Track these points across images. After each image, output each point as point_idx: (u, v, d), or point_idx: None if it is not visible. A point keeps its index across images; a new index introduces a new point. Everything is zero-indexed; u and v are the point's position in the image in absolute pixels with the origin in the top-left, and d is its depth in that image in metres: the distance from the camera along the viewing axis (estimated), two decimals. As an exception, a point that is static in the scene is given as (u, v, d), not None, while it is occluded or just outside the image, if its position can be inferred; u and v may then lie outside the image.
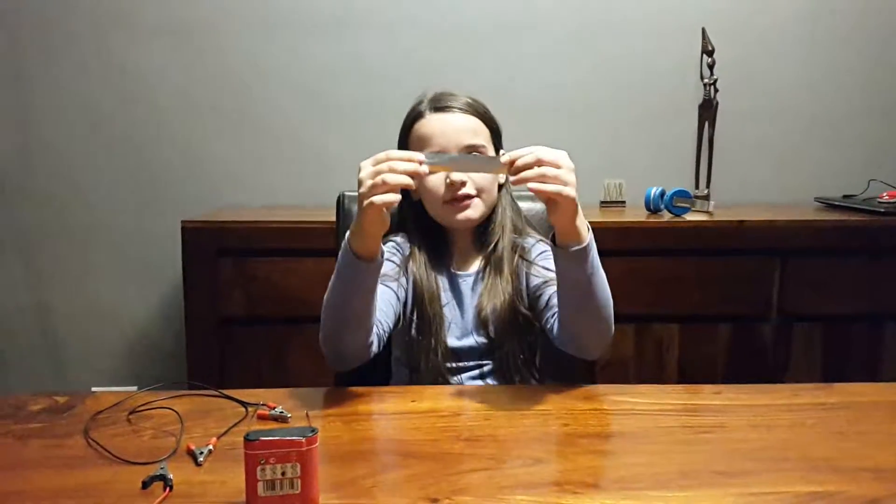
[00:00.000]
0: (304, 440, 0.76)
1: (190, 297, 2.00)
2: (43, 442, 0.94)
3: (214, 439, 0.92)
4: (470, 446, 0.91)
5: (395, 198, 0.98)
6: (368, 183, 0.98)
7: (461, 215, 1.26)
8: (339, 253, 1.08)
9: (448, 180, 1.23)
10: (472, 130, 1.27)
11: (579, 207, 1.02)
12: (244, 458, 0.76)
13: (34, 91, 2.34)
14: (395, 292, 1.25)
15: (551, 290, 1.20)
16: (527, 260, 1.29)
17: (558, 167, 0.98)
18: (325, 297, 1.11)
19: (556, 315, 1.18)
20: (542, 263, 1.27)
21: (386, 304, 1.22)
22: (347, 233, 1.07)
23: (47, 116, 2.35)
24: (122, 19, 2.32)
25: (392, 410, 1.04)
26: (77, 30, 2.31)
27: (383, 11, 2.34)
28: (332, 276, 1.10)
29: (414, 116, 1.29)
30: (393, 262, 1.28)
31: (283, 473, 0.76)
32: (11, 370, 2.43)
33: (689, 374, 2.04)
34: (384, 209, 0.99)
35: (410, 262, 1.30)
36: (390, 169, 0.98)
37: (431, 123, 1.26)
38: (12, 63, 2.32)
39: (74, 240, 2.39)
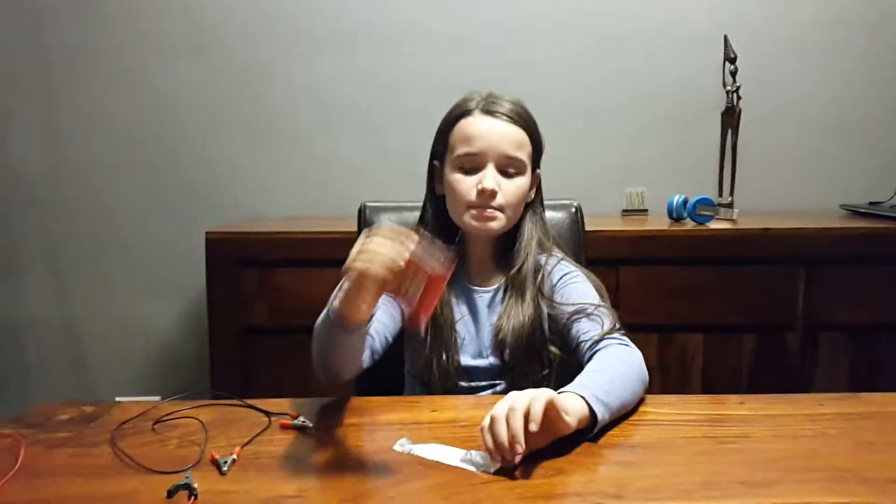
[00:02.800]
0: (428, 268, 0.83)
1: (213, 307, 2.02)
2: (71, 451, 0.95)
3: (238, 448, 0.93)
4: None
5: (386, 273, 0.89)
6: (358, 260, 0.90)
7: (483, 224, 1.23)
8: (328, 308, 1.05)
9: (480, 186, 1.21)
10: (516, 143, 1.23)
11: (558, 404, 0.90)
12: None
13: (62, 107, 2.38)
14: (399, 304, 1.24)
15: (580, 324, 1.18)
16: (547, 289, 1.25)
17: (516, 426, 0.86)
18: (315, 326, 1.09)
19: (586, 350, 1.15)
20: (566, 291, 1.24)
21: (387, 315, 1.21)
22: (336, 294, 1.00)
23: (75, 131, 2.39)
24: (147, 37, 2.36)
25: (413, 420, 1.04)
26: (103, 47, 2.36)
27: (401, 23, 2.36)
28: (321, 320, 1.07)
29: (461, 112, 1.25)
30: None
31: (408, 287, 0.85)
32: (38, 379, 2.47)
33: (714, 384, 2.02)
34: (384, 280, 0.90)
35: None
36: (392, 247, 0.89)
37: (479, 124, 1.22)
38: (42, 80, 2.37)
39: (100, 251, 2.43)
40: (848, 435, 0.97)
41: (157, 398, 2.37)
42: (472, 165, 1.23)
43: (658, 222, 2.18)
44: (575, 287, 1.25)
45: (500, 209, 1.23)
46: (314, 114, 2.39)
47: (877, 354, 2.04)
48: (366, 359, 1.14)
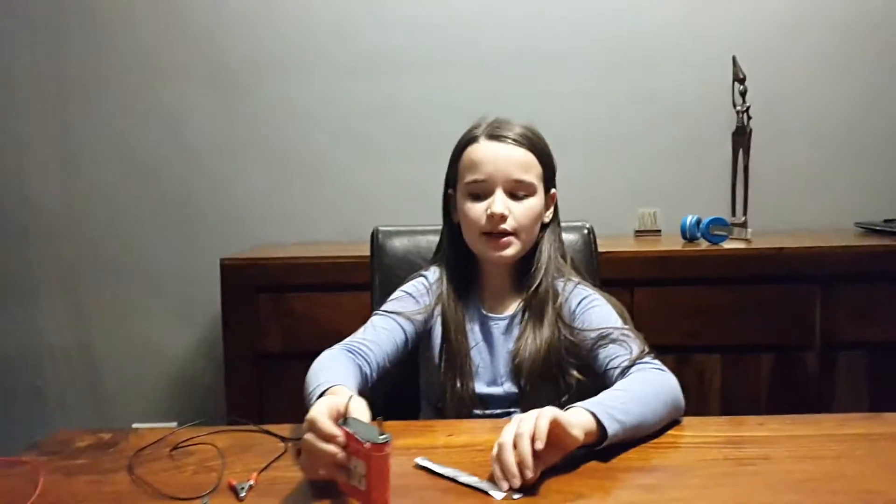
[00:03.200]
0: (365, 443, 0.78)
1: (229, 333, 2.03)
2: (89, 478, 0.95)
3: (255, 474, 0.93)
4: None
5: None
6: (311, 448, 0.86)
7: (497, 253, 1.23)
8: (306, 391, 1.04)
9: (489, 211, 1.21)
10: (523, 165, 1.23)
11: (563, 420, 0.89)
12: None
13: (78, 135, 2.42)
14: (403, 329, 1.24)
15: (608, 350, 1.16)
16: (566, 314, 1.24)
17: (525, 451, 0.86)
18: (306, 378, 1.07)
19: (617, 376, 1.13)
20: (586, 317, 1.22)
21: (388, 342, 1.21)
22: (313, 402, 0.95)
23: (91, 161, 2.43)
24: (162, 65, 2.40)
25: (429, 444, 1.04)
26: (118, 76, 2.40)
27: (415, 51, 2.39)
28: (308, 389, 1.03)
29: (468, 140, 1.26)
30: (417, 301, 1.28)
31: (354, 467, 0.80)
32: (56, 406, 2.48)
33: (732, 405, 2.00)
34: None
35: (439, 306, 1.28)
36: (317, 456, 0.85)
37: (484, 150, 1.23)
38: (57, 108, 2.41)
39: (115, 278, 2.45)
40: (872, 456, 0.96)
41: (174, 424, 2.38)
42: (481, 191, 1.23)
43: (672, 243, 2.18)
44: (596, 311, 1.23)
45: (514, 233, 1.23)
46: (327, 141, 2.42)
47: (895, 372, 2.02)
48: (358, 384, 1.11)
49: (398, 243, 1.49)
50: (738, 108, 2.28)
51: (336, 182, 2.42)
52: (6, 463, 1.00)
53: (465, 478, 0.90)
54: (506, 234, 1.22)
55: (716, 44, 2.36)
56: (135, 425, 2.35)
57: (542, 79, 2.38)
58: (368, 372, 1.17)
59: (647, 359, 1.13)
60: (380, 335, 1.22)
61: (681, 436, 1.05)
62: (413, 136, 2.37)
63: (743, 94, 2.26)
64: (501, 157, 1.22)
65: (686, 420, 1.10)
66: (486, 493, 0.86)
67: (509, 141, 1.23)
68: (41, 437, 1.11)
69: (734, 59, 2.26)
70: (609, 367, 1.15)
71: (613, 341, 1.17)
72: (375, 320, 1.26)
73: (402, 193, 2.37)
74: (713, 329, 2.00)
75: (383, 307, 1.29)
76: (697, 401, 1.99)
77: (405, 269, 1.42)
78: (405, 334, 1.25)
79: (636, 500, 0.85)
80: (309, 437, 0.85)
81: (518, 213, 1.22)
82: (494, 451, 0.88)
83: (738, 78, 2.26)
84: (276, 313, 2.02)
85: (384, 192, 2.41)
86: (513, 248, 1.24)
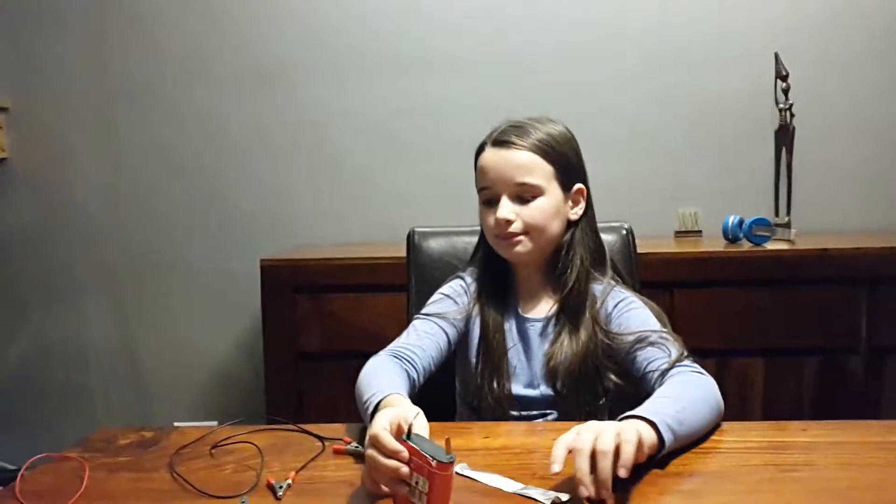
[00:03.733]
0: (433, 461, 0.78)
1: (268, 333, 2.06)
2: (131, 475, 0.97)
3: (293, 473, 0.94)
4: (545, 485, 0.90)
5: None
6: (374, 465, 0.86)
7: (510, 251, 1.25)
8: (363, 407, 1.05)
9: (495, 218, 1.23)
10: (525, 169, 1.22)
11: (644, 445, 0.89)
12: None
13: (122, 138, 2.48)
14: (445, 332, 1.25)
15: (646, 353, 1.16)
16: (603, 317, 1.24)
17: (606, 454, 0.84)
18: (358, 379, 1.11)
19: (656, 379, 1.12)
20: (623, 320, 1.22)
21: (433, 346, 1.22)
22: (373, 416, 0.96)
23: (134, 162, 2.48)
24: (204, 68, 2.44)
25: (465, 447, 1.04)
26: (162, 81, 2.45)
27: (448, 51, 2.39)
28: (365, 397, 1.05)
29: (480, 147, 1.29)
30: (456, 302, 1.29)
31: (416, 483, 0.80)
32: (99, 404, 2.54)
33: (775, 410, 1.96)
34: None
35: (477, 307, 1.29)
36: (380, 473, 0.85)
37: (489, 157, 1.25)
38: (103, 112, 2.47)
39: (159, 279, 2.50)
40: (920, 464, 0.94)
41: (214, 423, 2.42)
42: (491, 197, 1.25)
43: (713, 244, 2.14)
44: (633, 314, 1.22)
45: (525, 233, 1.23)
46: (364, 142, 2.43)
47: (947, 378, 1.96)
48: (406, 388, 1.12)
49: (434, 244, 1.49)
50: (781, 105, 2.23)
51: (372, 183, 2.44)
52: (53, 459, 1.03)
53: (510, 486, 0.90)
54: (515, 234, 1.23)
55: (758, 40, 2.31)
56: (176, 424, 2.39)
57: (578, 77, 2.36)
58: (415, 377, 1.18)
59: (686, 362, 1.12)
60: (423, 339, 1.23)
61: (722, 441, 1.03)
62: (448, 136, 2.38)
63: (786, 91, 2.22)
64: (502, 164, 1.23)
65: (727, 425, 1.08)
66: (533, 499, 0.86)
67: (511, 146, 1.23)
68: (86, 434, 1.13)
69: (776, 55, 2.22)
70: (648, 370, 1.14)
71: (652, 344, 1.16)
72: (417, 324, 1.27)
73: (438, 194, 2.38)
74: (755, 332, 1.96)
75: (423, 310, 1.30)
76: (739, 406, 1.95)
77: (441, 269, 1.42)
78: (447, 337, 1.26)
79: (675, 506, 0.84)
80: (371, 452, 0.85)
81: (526, 214, 1.23)
82: (567, 438, 0.86)
83: (781, 75, 2.22)
84: (314, 313, 2.04)
85: (421, 192, 2.42)
86: (523, 246, 1.24)
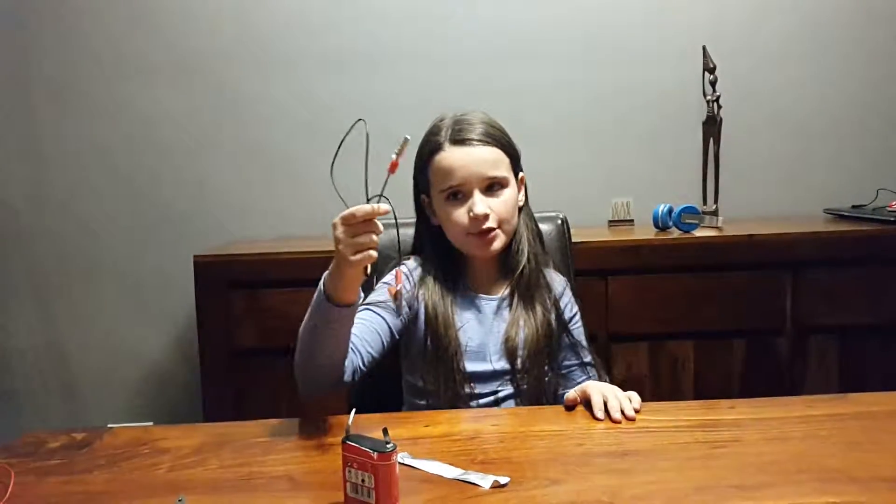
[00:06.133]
0: (374, 454, 0.79)
1: (203, 331, 2.01)
2: (63, 479, 0.94)
3: (232, 470, 0.93)
4: (485, 469, 0.91)
5: (375, 255, 1.03)
6: (348, 242, 1.03)
7: (486, 250, 1.27)
8: (315, 292, 1.08)
9: (472, 213, 1.24)
10: (492, 162, 1.26)
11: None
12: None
13: (45, 134, 2.38)
14: (385, 320, 1.25)
15: (574, 374, 1.33)
16: (558, 312, 1.33)
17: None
18: (300, 330, 1.12)
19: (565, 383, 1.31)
20: (568, 322, 1.34)
21: (371, 332, 1.22)
22: (325, 274, 1.08)
23: (59, 159, 2.39)
24: (129, 61, 2.37)
25: (407, 436, 1.04)
26: (86, 75, 2.36)
27: (388, 46, 2.38)
28: (307, 313, 1.10)
29: (433, 148, 1.28)
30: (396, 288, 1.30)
31: (362, 480, 0.80)
32: (28, 408, 2.45)
33: (706, 391, 2.02)
34: (365, 264, 1.02)
35: (422, 289, 1.29)
36: (364, 232, 1.03)
37: (453, 157, 1.25)
38: (24, 107, 2.37)
39: (87, 278, 2.42)
40: (837, 436, 0.98)
41: (150, 423, 2.36)
42: (458, 193, 1.26)
43: (644, 232, 2.20)
44: (577, 331, 1.35)
45: (499, 226, 1.26)
46: (299, 135, 2.40)
47: (865, 355, 2.06)
48: (347, 370, 1.14)
49: (373, 236, 1.48)
50: (709, 97, 2.30)
51: (308, 177, 2.40)
52: (-23, 466, 0.99)
53: (450, 472, 0.91)
54: (491, 230, 1.26)
55: (686, 34, 2.37)
56: (110, 426, 2.33)
57: (514, 72, 2.39)
58: (358, 363, 1.18)
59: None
60: (361, 327, 1.22)
61: (654, 420, 1.06)
62: (386, 131, 2.34)
63: (713, 83, 2.29)
64: (471, 161, 1.25)
65: (659, 405, 1.12)
66: (474, 484, 0.87)
67: (475, 142, 1.25)
68: (11, 440, 1.09)
69: (704, 49, 2.29)
70: (566, 376, 1.33)
71: (581, 366, 1.34)
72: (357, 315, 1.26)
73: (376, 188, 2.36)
74: (686, 316, 2.02)
75: (364, 301, 1.29)
76: (672, 386, 2.02)
77: (381, 261, 1.41)
78: (388, 325, 1.26)
79: (610, 484, 0.87)
80: (337, 223, 1.05)
81: (498, 207, 1.26)
82: (604, 391, 1.11)
83: (708, 68, 2.28)
84: (250, 309, 2.01)
85: (358, 186, 2.39)
86: (499, 241, 1.28)
